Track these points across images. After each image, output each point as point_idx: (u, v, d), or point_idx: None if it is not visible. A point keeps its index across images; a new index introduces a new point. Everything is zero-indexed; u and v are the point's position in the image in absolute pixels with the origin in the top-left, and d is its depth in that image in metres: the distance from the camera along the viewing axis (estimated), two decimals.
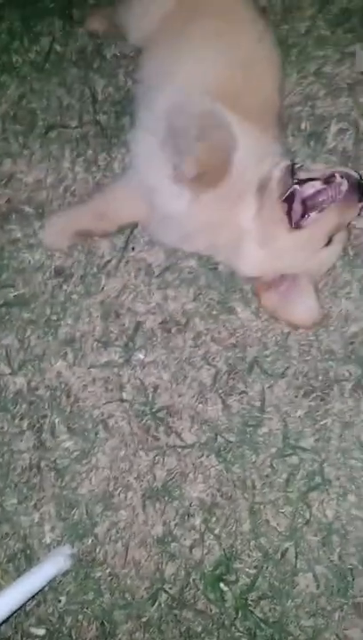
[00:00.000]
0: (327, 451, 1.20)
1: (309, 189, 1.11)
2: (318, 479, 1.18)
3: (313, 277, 1.19)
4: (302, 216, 1.11)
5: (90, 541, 1.23)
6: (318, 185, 1.11)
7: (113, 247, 1.37)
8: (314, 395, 1.23)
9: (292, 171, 1.13)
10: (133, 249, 1.36)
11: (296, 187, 1.11)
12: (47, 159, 1.45)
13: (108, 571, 1.21)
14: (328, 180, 1.11)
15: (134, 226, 1.35)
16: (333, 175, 1.11)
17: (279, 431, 1.22)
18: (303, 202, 1.11)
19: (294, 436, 1.21)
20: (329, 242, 1.14)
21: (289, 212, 1.11)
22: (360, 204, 1.12)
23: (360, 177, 1.13)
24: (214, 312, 1.30)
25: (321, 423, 1.21)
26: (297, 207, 1.11)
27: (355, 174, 1.13)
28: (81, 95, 1.50)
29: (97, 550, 1.22)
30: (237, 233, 1.16)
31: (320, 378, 1.23)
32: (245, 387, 1.25)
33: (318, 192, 1.10)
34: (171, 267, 1.33)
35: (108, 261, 1.36)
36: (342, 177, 1.11)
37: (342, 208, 1.11)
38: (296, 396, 1.23)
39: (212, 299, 1.31)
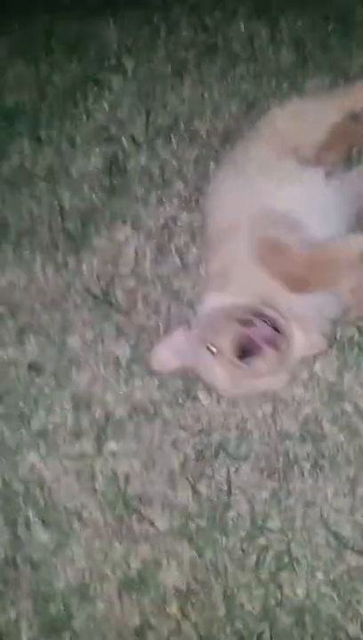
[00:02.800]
0: (293, 530, 1.19)
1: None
2: (286, 559, 1.16)
3: None
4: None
5: (68, 636, 1.16)
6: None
7: (83, 342, 1.39)
8: (276, 475, 1.23)
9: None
10: (102, 342, 1.37)
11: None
12: (19, 263, 1.49)
13: None
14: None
15: (103, 322, 1.38)
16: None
17: (247, 513, 1.20)
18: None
19: (260, 517, 1.20)
20: None
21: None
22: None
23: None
24: (180, 400, 1.31)
25: (285, 503, 1.20)
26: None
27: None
28: (50, 206, 1.56)
29: None
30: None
31: (281, 459, 1.24)
32: (212, 471, 1.24)
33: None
34: (136, 358, 1.35)
35: (78, 355, 1.37)
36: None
37: None
38: (260, 478, 1.23)
39: (177, 388, 1.32)
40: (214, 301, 1.21)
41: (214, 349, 1.12)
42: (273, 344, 1.09)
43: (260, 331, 1.09)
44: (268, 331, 1.09)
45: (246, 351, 1.08)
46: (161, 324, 1.38)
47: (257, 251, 1.16)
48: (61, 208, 1.55)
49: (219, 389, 1.22)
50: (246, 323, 1.10)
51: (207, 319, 1.20)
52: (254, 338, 1.08)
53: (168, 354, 1.24)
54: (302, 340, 1.17)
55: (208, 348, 1.13)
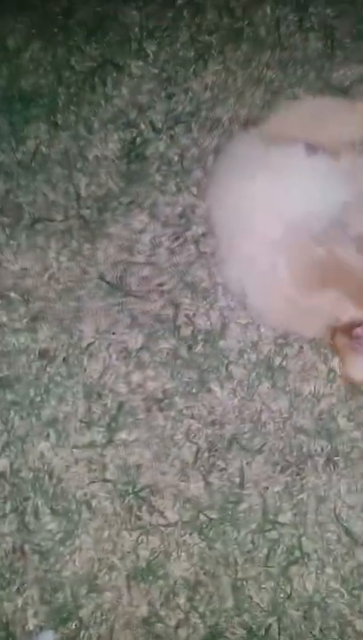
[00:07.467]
0: (305, 525, 1.25)
1: None
2: (297, 553, 1.23)
3: None
4: None
5: (74, 625, 1.24)
6: None
7: (96, 330, 1.45)
8: (290, 470, 1.29)
9: None
10: (113, 333, 1.44)
11: None
12: (33, 249, 1.56)
13: None
14: None
15: (117, 310, 1.44)
16: None
17: (259, 507, 1.27)
18: None
19: (272, 511, 1.27)
20: None
21: None
22: None
23: None
24: (194, 390, 1.38)
25: (298, 498, 1.27)
26: None
27: None
28: (65, 192, 1.64)
29: (81, 635, 1.23)
30: None
31: (295, 453, 1.30)
32: (224, 464, 1.31)
33: None
34: (149, 348, 1.41)
35: (91, 344, 1.44)
36: None
37: None
38: (274, 472, 1.30)
39: (190, 378, 1.38)
40: None
41: None
42: None
43: None
44: None
45: None
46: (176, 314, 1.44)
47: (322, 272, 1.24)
48: (77, 194, 1.62)
49: None
50: None
51: None
52: None
53: None
54: None
55: None
